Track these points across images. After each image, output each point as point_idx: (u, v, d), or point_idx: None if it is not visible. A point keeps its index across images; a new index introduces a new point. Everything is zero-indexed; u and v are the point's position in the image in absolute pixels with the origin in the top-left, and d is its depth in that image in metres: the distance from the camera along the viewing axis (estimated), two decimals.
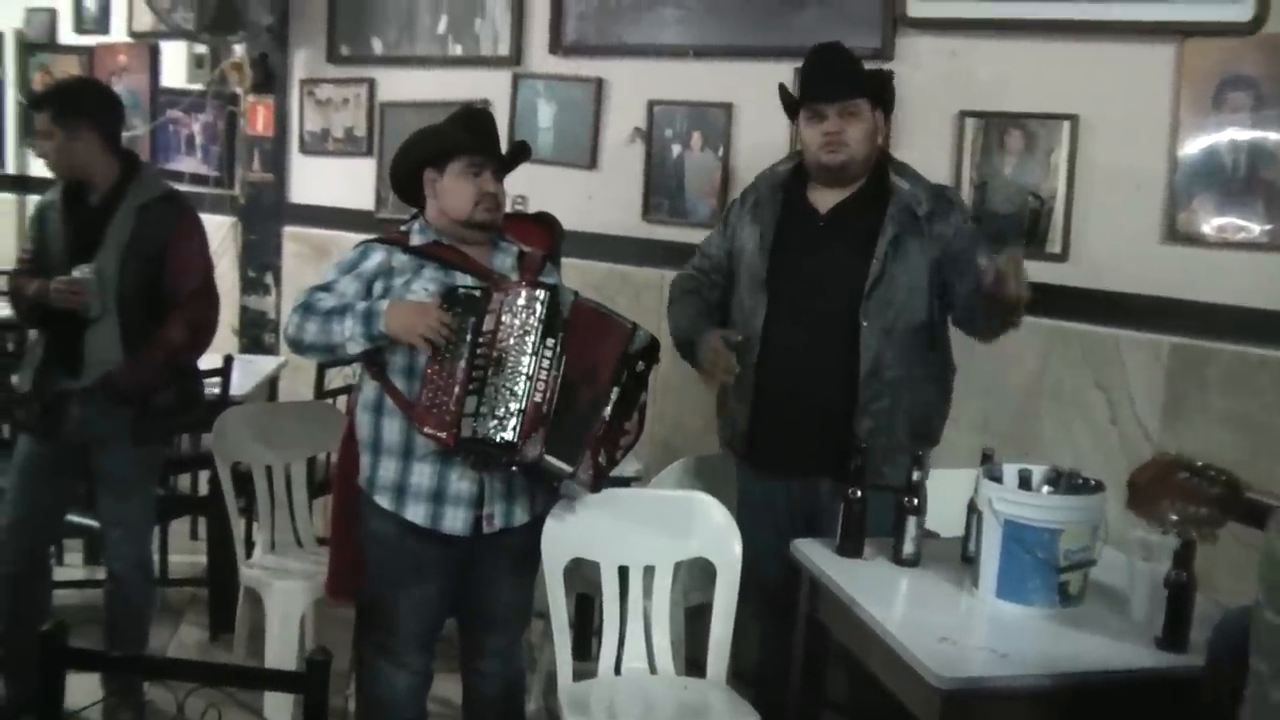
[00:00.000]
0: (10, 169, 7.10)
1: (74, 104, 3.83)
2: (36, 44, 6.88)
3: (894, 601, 2.94)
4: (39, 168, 6.78)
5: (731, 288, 3.60)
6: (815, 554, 3.15)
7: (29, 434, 3.87)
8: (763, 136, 4.47)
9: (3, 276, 6.07)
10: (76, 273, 3.67)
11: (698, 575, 3.62)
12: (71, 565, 5.14)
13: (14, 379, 3.96)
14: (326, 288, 3.16)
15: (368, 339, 3.04)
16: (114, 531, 3.94)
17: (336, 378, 5.05)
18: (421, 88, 5.43)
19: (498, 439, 2.96)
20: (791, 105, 3.56)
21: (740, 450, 3.58)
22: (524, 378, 2.98)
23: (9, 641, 3.88)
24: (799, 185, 3.54)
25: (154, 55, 6.44)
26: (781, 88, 3.65)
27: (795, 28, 4.44)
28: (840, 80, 3.43)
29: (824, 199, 3.49)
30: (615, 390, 3.07)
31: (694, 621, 3.70)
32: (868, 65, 3.55)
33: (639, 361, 3.13)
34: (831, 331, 3.39)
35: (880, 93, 3.49)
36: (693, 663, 3.55)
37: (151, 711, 3.95)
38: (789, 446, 3.47)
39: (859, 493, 3.12)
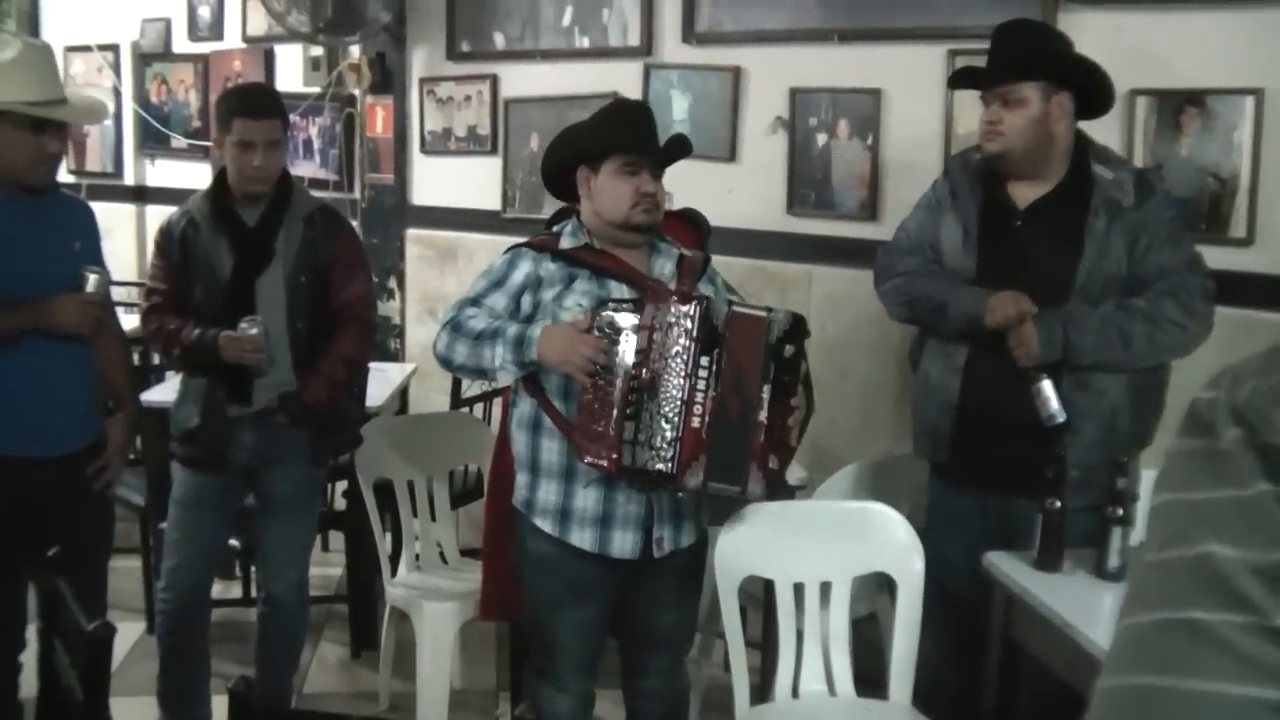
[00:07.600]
0: (130, 180, 7.01)
1: (285, 110, 3.67)
2: (151, 54, 6.79)
3: (1107, 620, 2.71)
4: (160, 178, 6.82)
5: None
6: (1011, 568, 2.94)
7: (197, 469, 3.63)
8: (914, 122, 4.27)
9: (125, 288, 6.09)
10: (249, 329, 3.46)
11: (860, 584, 3.38)
12: None
13: (173, 413, 3.67)
14: (476, 301, 2.99)
15: (519, 366, 2.87)
16: (276, 553, 3.79)
17: (473, 386, 4.86)
18: (547, 82, 5.24)
19: (655, 470, 2.78)
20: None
21: (940, 460, 3.34)
22: (677, 402, 2.77)
23: (170, 675, 3.75)
24: (997, 176, 3.26)
25: (269, 60, 6.31)
26: (960, 71, 3.43)
27: (946, 7, 4.20)
28: (996, 62, 3.19)
29: (1022, 193, 3.22)
30: (766, 389, 2.83)
31: (859, 632, 3.48)
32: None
33: (785, 346, 2.86)
34: None
35: (1060, 75, 3.16)
36: (860, 678, 3.31)
37: None
38: (991, 458, 3.20)
39: (1058, 503, 2.90)
